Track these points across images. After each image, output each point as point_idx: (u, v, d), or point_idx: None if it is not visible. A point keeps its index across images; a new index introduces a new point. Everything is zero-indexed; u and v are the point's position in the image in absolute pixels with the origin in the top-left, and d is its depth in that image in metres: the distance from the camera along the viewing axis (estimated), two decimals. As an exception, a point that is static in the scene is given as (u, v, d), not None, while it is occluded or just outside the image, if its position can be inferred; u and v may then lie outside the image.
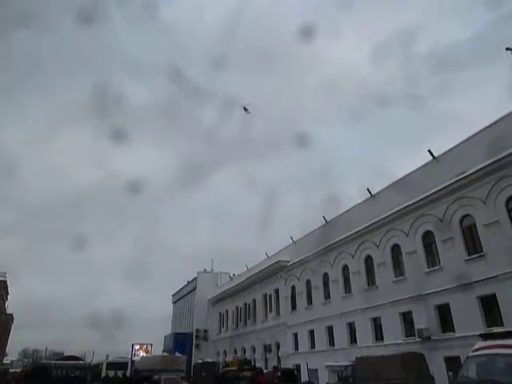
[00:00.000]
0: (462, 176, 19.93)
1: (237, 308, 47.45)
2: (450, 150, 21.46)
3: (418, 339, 20.98)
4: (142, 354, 52.12)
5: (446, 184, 20.77)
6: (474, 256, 19.20)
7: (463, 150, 20.39)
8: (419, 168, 23.43)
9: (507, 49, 19.45)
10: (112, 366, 28.53)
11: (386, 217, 24.97)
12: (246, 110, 32.51)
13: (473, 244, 19.62)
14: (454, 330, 19.45)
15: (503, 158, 18.07)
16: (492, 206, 18.57)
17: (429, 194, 21.83)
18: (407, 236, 23.46)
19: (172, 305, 71.24)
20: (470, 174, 19.52)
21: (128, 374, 25.56)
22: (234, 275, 53.80)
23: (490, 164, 18.57)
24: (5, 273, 54.07)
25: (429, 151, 22.56)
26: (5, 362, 56.90)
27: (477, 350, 9.04)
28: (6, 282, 54.64)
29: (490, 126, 19.30)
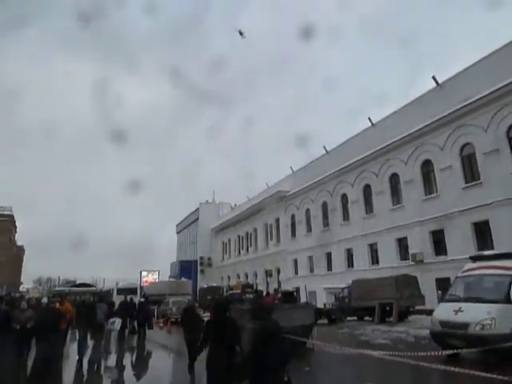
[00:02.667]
0: (464, 103, 19.59)
1: (239, 236, 49.13)
2: (454, 76, 20.86)
3: (412, 263, 22.07)
4: (150, 279, 54.91)
5: (449, 112, 20.49)
6: (471, 184, 19.55)
7: (467, 77, 19.81)
8: (422, 95, 22.93)
9: None
10: (122, 291, 30.07)
11: (386, 146, 24.95)
12: (241, 34, 31.44)
13: (471, 172, 19.87)
14: (446, 254, 20.41)
15: (506, 85, 17.64)
16: (493, 134, 18.50)
17: (431, 121, 21.62)
18: (406, 165, 23.63)
19: (176, 235, 73.60)
20: (473, 102, 19.19)
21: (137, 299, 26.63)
22: (235, 205, 54.93)
23: (493, 91, 18.18)
24: (11, 207, 55.32)
25: (433, 78, 21.94)
26: (21, 289, 60.28)
27: (466, 270, 9.60)
28: (13, 216, 56.10)
29: (493, 53, 18.61)
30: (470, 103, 19.34)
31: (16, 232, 63.69)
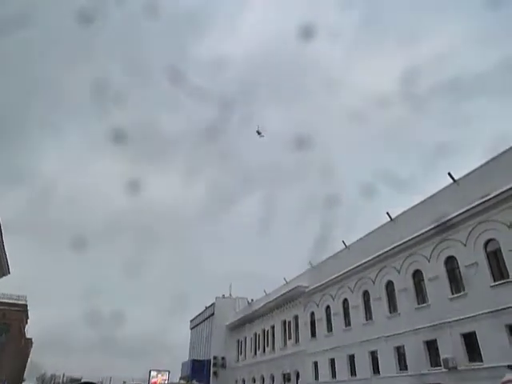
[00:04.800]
0: (484, 199, 19.48)
1: (255, 335, 46.61)
2: (471, 172, 21.11)
3: (444, 370, 20.12)
4: (159, 380, 51.32)
5: (468, 207, 20.28)
6: (501, 282, 18.53)
7: (485, 173, 20.02)
8: (440, 191, 23.06)
9: None
10: (129, 393, 28.14)
11: (406, 241, 24.46)
12: (259, 133, 33.44)
13: (498, 269, 18.98)
14: (481, 360, 18.59)
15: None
16: (517, 229, 18.02)
17: (450, 217, 21.34)
18: (429, 261, 22.87)
19: (190, 331, 70.48)
20: (493, 197, 19.07)
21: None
22: (252, 300, 53.14)
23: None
24: (25, 296, 54.72)
25: (449, 174, 22.24)
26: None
27: (506, 382, 8.68)
28: (26, 305, 55.20)
29: (511, 147, 19.02)
30: (490, 199, 19.21)
31: (27, 323, 62.15)
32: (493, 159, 19.86)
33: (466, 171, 21.54)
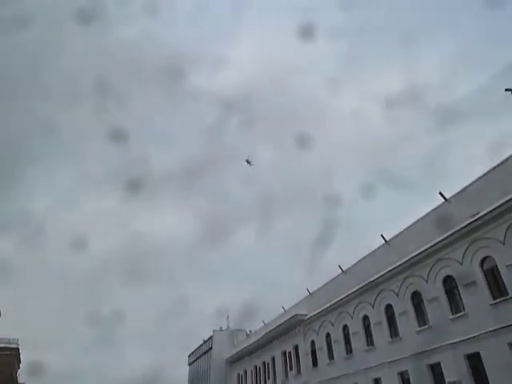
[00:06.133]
0: (476, 217, 19.52)
1: (255, 367, 45.23)
2: (462, 191, 21.25)
3: (451, 395, 19.56)
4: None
5: (461, 226, 20.26)
6: (500, 299, 18.31)
7: (475, 191, 20.17)
8: (432, 211, 23.11)
9: (506, 90, 19.80)
10: None
11: (402, 263, 24.24)
12: (248, 162, 33.69)
13: (497, 287, 18.79)
14: (488, 383, 18.11)
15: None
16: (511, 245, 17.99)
17: (444, 237, 21.30)
18: (427, 282, 22.62)
19: (188, 367, 68.30)
20: (485, 215, 19.10)
21: None
22: (250, 331, 51.91)
23: (504, 203, 18.22)
24: (17, 339, 52.80)
25: (440, 193, 22.39)
26: None
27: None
28: (18, 349, 53.20)
29: (499, 164, 19.22)
30: (481, 216, 19.24)
31: (19, 367, 59.68)
32: (481, 177, 20.06)
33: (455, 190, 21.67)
